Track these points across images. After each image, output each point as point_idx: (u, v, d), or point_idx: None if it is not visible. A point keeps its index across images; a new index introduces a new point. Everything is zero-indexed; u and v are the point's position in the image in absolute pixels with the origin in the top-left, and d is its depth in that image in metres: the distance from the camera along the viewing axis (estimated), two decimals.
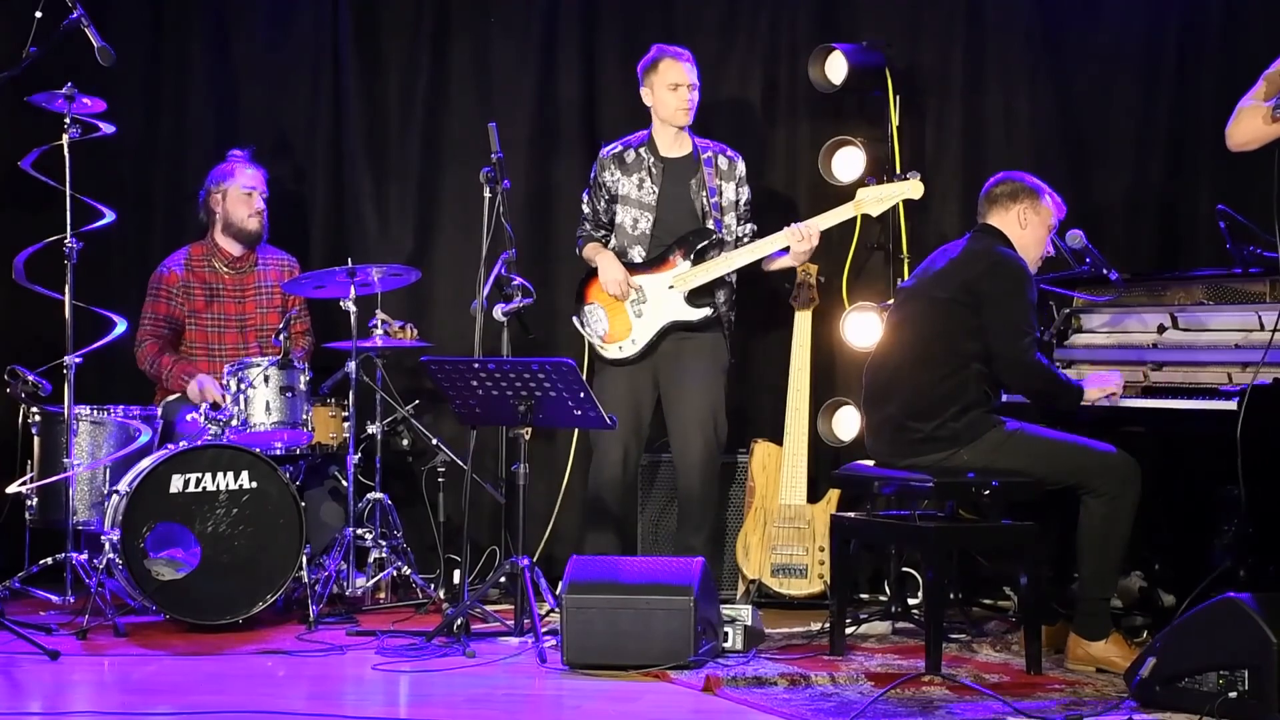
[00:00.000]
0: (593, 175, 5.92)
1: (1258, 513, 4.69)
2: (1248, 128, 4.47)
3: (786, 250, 5.73)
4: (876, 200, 5.72)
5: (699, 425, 5.77)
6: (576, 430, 6.09)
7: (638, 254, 5.82)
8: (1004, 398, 5.05)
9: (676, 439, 5.83)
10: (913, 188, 5.70)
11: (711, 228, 5.78)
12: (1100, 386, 4.95)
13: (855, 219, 5.88)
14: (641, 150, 5.87)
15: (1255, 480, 4.56)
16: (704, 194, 5.81)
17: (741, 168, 5.87)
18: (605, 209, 5.88)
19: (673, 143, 5.86)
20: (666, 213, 5.82)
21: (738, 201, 5.85)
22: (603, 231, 5.91)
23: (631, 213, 5.83)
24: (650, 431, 5.91)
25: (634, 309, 5.78)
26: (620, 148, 5.90)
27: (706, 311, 5.77)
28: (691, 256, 5.77)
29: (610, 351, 5.79)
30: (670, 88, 5.78)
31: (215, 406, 5.77)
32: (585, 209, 5.95)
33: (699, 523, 5.81)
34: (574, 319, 5.87)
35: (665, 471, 6.14)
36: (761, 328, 6.41)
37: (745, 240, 5.82)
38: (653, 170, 5.83)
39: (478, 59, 6.68)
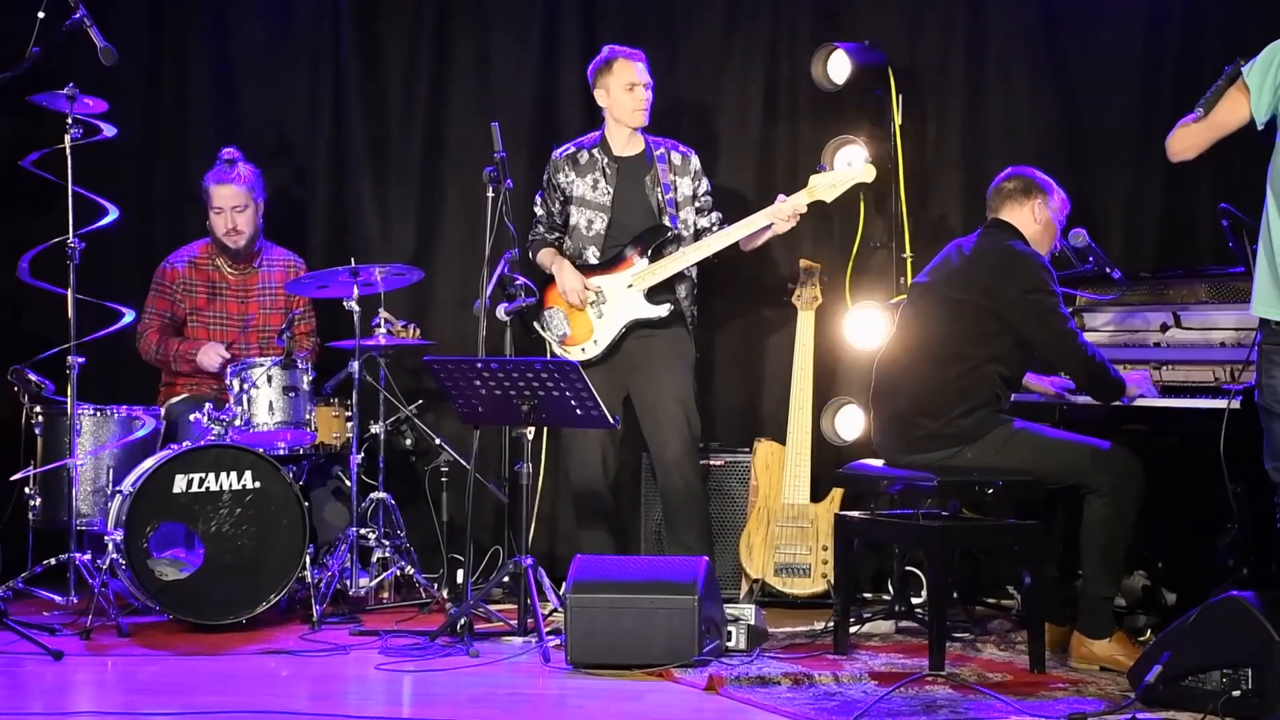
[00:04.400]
0: (545, 178, 5.92)
1: (1260, 511, 4.68)
2: (1181, 136, 4.52)
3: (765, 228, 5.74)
4: (829, 186, 5.72)
5: (673, 422, 5.76)
6: (546, 429, 6.07)
7: (593, 255, 5.82)
8: (1014, 398, 5.04)
9: (653, 438, 5.83)
10: (865, 172, 5.71)
11: (667, 224, 5.78)
12: (1135, 384, 4.95)
13: (856, 202, 5.90)
14: (595, 151, 5.86)
15: (1258, 479, 4.56)
16: (659, 191, 5.81)
17: (695, 162, 5.88)
18: (560, 211, 5.88)
19: (626, 142, 5.86)
20: (622, 212, 5.82)
21: (695, 195, 5.86)
22: (556, 234, 5.91)
23: (586, 214, 5.83)
24: (622, 430, 5.89)
25: (594, 310, 5.78)
26: (573, 149, 5.91)
27: (668, 307, 5.76)
28: (649, 254, 5.76)
29: (573, 354, 5.77)
30: (626, 88, 5.78)
31: (220, 376, 5.78)
32: (539, 211, 5.94)
33: (688, 518, 5.81)
34: (534, 324, 5.87)
35: None
36: (764, 326, 6.42)
37: (712, 230, 5.82)
38: (607, 171, 5.83)
39: (479, 58, 6.68)
